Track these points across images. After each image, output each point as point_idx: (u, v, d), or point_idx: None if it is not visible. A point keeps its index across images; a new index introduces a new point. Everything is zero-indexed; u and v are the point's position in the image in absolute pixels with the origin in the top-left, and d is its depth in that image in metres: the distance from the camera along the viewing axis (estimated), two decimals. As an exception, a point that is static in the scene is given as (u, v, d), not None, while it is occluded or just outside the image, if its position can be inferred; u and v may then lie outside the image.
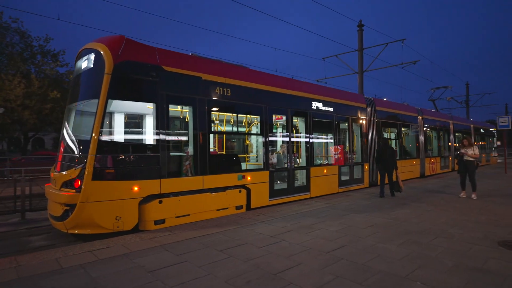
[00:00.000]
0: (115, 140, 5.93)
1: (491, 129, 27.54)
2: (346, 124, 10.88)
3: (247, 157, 8.72)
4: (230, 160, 7.43)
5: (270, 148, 8.05)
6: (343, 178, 10.49)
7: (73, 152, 5.96)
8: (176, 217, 6.13)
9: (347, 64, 17.69)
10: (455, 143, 19.75)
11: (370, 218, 6.34)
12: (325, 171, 9.70)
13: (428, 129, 16.40)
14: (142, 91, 5.96)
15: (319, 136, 10.64)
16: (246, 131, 9.17)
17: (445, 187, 11.02)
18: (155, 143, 5.94)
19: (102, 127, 5.43)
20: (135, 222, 5.65)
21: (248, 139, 8.96)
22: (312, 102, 9.45)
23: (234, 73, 7.47)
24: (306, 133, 9.23)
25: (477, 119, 28.75)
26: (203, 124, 6.66)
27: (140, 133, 6.80)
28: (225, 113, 8.31)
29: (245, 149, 9.13)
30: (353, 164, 10.95)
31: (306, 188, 9.01)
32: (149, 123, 6.25)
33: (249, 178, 7.44)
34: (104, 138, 5.54)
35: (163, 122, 6.02)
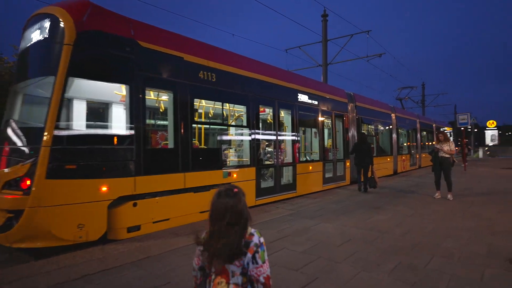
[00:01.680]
0: (77, 128, 4.78)
1: (447, 129, 29.07)
2: (330, 119, 10.42)
3: (233, 152, 7.87)
4: (215, 155, 6.52)
5: (257, 143, 7.27)
6: (327, 175, 10.01)
7: (20, 143, 4.71)
8: (154, 222, 5.13)
9: (310, 56, 16.99)
10: (421, 141, 20.40)
11: (345, 229, 5.22)
12: (310, 168, 9.12)
13: (400, 127, 16.62)
14: (113, 70, 4.86)
15: (305, 131, 10.07)
16: (231, 123, 8.28)
17: (417, 186, 10.96)
18: (129, 133, 4.87)
19: (60, 111, 4.27)
20: (103, 230, 4.56)
21: (233, 132, 8.09)
22: (298, 94, 8.81)
23: (219, 56, 6.57)
24: (292, 127, 8.58)
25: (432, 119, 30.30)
26: (185, 113, 5.69)
27: (110, 120, 5.67)
28: (209, 102, 7.38)
29: (231, 143, 8.23)
30: (336, 160, 10.52)
31: (292, 186, 8.36)
32: (121, 109, 5.16)
33: (235, 175, 6.60)
34: (63, 125, 4.38)
35: (138, 108, 4.97)
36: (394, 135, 15.77)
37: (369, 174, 9.73)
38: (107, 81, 4.93)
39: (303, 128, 9.79)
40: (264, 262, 1.61)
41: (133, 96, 4.91)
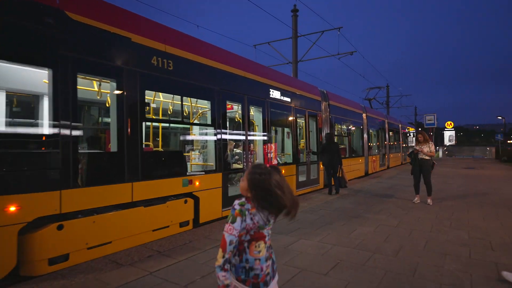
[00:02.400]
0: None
1: (410, 129, 29.78)
2: (303, 119, 9.66)
3: (195, 156, 6.79)
4: (172, 159, 5.43)
5: (224, 144, 6.27)
6: (301, 179, 9.23)
7: None
8: (89, 248, 3.97)
9: (280, 53, 16.04)
10: (389, 141, 20.48)
11: (329, 248, 4.40)
12: (283, 171, 8.26)
13: (370, 127, 16.38)
14: (29, 47, 3.63)
15: (276, 131, 9.22)
16: (194, 122, 7.18)
17: (392, 189, 10.55)
18: (52, 133, 3.67)
19: None
20: (11, 265, 3.34)
21: (196, 132, 7.03)
22: (270, 89, 7.92)
23: (179, 41, 5.49)
24: (263, 126, 7.68)
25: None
26: (133, 108, 4.56)
27: (24, 115, 4.40)
28: (166, 95, 6.26)
29: (193, 145, 7.13)
30: (310, 163, 9.79)
31: (263, 192, 7.46)
32: (41, 101, 3.93)
33: (197, 183, 5.56)
34: None
35: (67, 99, 3.78)
36: (366, 136, 15.47)
37: (339, 174, 9.33)
38: (21, 62, 3.67)
39: (274, 128, 8.94)
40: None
41: (59, 84, 3.71)
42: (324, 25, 15.43)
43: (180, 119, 6.01)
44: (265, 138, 7.66)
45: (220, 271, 1.68)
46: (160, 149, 6.41)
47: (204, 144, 6.86)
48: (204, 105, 7.11)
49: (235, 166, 9.17)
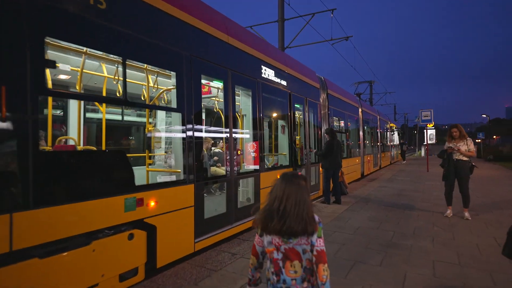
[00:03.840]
0: None
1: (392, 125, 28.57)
2: (301, 110, 7.66)
3: (151, 159, 4.54)
4: (103, 165, 3.15)
5: (198, 142, 4.12)
6: (299, 186, 7.23)
7: None
8: None
9: (263, 38, 14.06)
10: (381, 139, 19.00)
11: None
12: (278, 177, 6.21)
13: (365, 123, 14.71)
14: None
15: (270, 124, 7.16)
16: (147, 103, 4.86)
17: (404, 197, 8.76)
18: None
19: None
20: None
21: (154, 122, 4.84)
22: (263, 67, 5.84)
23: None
24: (253, 117, 5.59)
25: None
26: (16, 72, 2.34)
27: None
28: (96, 54, 3.98)
29: (145, 143, 4.84)
30: (310, 165, 7.81)
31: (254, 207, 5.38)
32: None
33: (152, 203, 3.39)
34: None
35: None
36: (361, 133, 13.77)
37: (340, 178, 7.80)
38: None
39: (268, 120, 6.88)
40: (320, 237, 1.70)
41: None
42: (316, 7, 13.52)
43: (122, 99, 3.58)
44: (256, 133, 5.58)
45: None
46: (82, 147, 4.07)
47: (167, 141, 4.64)
48: (166, 79, 4.92)
49: (215, 172, 7.04)
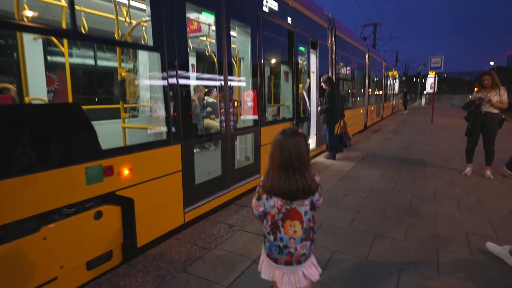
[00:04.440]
0: None
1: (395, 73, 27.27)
2: (306, 53, 6.63)
3: (127, 113, 3.65)
4: (50, 124, 2.25)
5: (184, 91, 3.26)
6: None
7: None
8: None
9: None
10: (386, 88, 18.02)
11: None
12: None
13: (372, 70, 13.61)
14: None
15: (272, 70, 6.22)
16: (116, 39, 3.81)
17: (414, 150, 8.14)
18: None
19: None
20: None
21: (128, 67, 3.91)
22: (264, -3, 4.73)
23: None
24: (253, 59, 4.64)
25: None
26: None
27: None
28: None
29: (120, 92, 3.89)
30: (311, 117, 7.03)
31: (253, 168, 4.70)
32: None
33: (126, 171, 2.65)
34: None
35: None
36: (367, 81, 12.77)
37: (341, 130, 7.06)
38: None
39: (270, 64, 5.92)
40: (321, 196, 1.68)
41: None
42: None
43: (70, 30, 2.46)
44: (256, 80, 4.68)
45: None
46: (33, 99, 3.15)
47: (144, 89, 3.73)
48: (138, 11, 3.89)
49: (208, 125, 6.24)
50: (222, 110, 3.95)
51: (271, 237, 1.62)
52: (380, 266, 2.62)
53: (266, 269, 1.69)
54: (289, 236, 1.59)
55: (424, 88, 45.11)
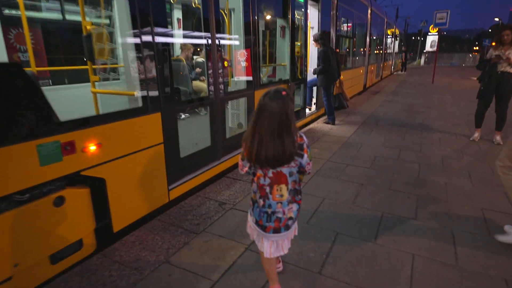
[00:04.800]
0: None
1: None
2: (304, 4, 5.90)
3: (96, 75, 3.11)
4: None
5: (163, 49, 2.71)
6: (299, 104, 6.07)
7: None
8: None
9: None
10: (386, 46, 17.16)
11: None
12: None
13: (373, 27, 12.73)
14: None
15: (267, 25, 5.58)
16: None
17: (416, 114, 7.75)
18: None
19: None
20: None
21: (91, 20, 3.31)
22: None
23: None
24: (245, 12, 4.01)
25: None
26: None
27: None
28: None
29: (87, 50, 3.32)
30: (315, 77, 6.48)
31: (247, 136, 4.27)
32: None
33: (92, 147, 2.21)
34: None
35: None
36: (368, 38, 11.99)
37: (338, 90, 6.51)
38: None
39: (264, 19, 5.26)
40: (311, 160, 1.62)
41: None
42: None
43: None
44: (249, 37, 4.08)
45: None
46: None
47: (110, 49, 3.16)
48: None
49: (197, 87, 5.69)
50: (210, 71, 3.42)
51: (260, 202, 1.61)
52: (390, 251, 2.31)
53: (254, 236, 1.74)
54: (276, 201, 1.59)
55: (423, 47, 43.69)
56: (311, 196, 3.17)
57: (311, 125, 6.28)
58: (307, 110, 6.48)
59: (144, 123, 2.63)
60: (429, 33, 42.22)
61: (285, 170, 1.56)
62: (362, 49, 11.35)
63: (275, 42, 5.63)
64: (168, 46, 2.80)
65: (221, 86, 3.58)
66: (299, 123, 6.30)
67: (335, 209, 2.93)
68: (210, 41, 3.37)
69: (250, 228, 1.77)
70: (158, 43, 2.66)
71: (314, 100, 6.92)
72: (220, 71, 3.54)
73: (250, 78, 4.18)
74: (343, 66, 8.72)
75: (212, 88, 3.45)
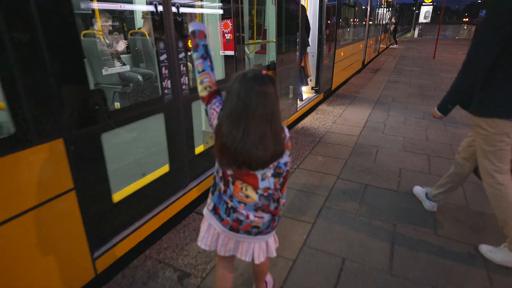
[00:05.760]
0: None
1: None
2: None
3: None
4: None
5: (55, 17, 1.42)
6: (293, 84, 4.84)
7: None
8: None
9: None
10: (383, 18, 15.75)
11: None
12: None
13: (373, -5, 11.29)
14: None
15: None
16: None
17: (425, 97, 6.71)
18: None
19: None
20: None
21: None
22: None
23: None
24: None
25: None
26: None
27: None
28: None
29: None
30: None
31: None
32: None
33: None
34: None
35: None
36: (368, 8, 10.60)
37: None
38: None
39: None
40: (290, 155, 1.26)
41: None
42: None
43: None
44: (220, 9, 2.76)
45: None
46: None
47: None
48: None
49: (128, 77, 4.33)
50: (164, 58, 2.14)
51: (222, 188, 1.26)
52: None
53: (206, 231, 1.35)
54: (239, 198, 1.22)
55: (417, 19, 42.15)
56: (324, 253, 2.06)
57: (309, 117, 5.10)
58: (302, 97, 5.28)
59: (31, 161, 1.40)
60: (423, 3, 40.64)
61: (257, 171, 1.18)
62: (362, 21, 10.00)
63: (264, 11, 4.30)
64: (66, 14, 1.52)
65: (185, 79, 2.32)
66: (303, 110, 5.15)
67: (366, 284, 1.84)
68: (159, 7, 2.07)
69: (202, 226, 1.38)
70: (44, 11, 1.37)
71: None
72: (182, 55, 2.27)
73: (233, 61, 2.91)
74: (345, 41, 7.45)
75: (167, 83, 2.19)
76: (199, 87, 1.27)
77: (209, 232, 1.35)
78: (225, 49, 2.91)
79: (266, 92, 1.08)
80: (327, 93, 6.53)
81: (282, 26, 3.97)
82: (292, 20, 4.29)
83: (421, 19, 40.14)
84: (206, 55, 1.28)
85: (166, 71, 2.16)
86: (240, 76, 1.11)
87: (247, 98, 1.06)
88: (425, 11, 40.11)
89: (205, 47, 1.28)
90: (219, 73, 2.87)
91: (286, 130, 1.25)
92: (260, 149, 1.08)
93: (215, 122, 1.20)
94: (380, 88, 7.43)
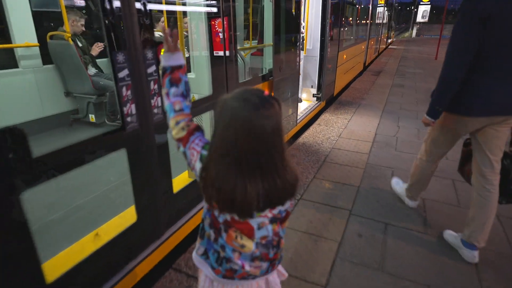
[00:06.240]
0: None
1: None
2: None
3: None
4: None
5: None
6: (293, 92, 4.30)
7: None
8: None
9: None
10: (383, 18, 15.26)
11: None
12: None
13: (375, -7, 10.78)
14: None
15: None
16: None
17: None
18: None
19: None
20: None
21: None
22: None
23: None
24: None
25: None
26: None
27: None
28: None
29: None
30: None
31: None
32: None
33: None
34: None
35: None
36: (370, 7, 10.09)
37: None
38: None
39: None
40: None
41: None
42: None
43: None
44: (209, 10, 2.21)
45: None
46: None
47: None
48: None
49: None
50: (125, 75, 1.58)
51: (211, 236, 1.00)
52: None
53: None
54: (232, 247, 0.97)
55: (415, 19, 41.82)
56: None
57: (310, 129, 4.56)
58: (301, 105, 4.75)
59: None
60: (421, 3, 40.28)
61: (252, 222, 0.92)
62: (364, 20, 9.48)
63: (259, 9, 3.75)
64: None
65: (156, 101, 1.77)
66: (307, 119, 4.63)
67: None
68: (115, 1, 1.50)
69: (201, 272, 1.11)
70: None
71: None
72: (151, 69, 1.71)
73: (217, 76, 2.36)
74: (348, 42, 6.92)
75: (129, 108, 1.62)
76: (175, 129, 1.02)
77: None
78: (216, 50, 2.36)
79: (276, 117, 0.82)
80: (329, 99, 6.01)
81: (280, 26, 3.42)
82: (292, 20, 3.74)
83: (419, 19, 39.85)
84: (187, 94, 1.08)
85: (129, 92, 1.59)
86: (244, 100, 0.80)
87: (259, 128, 0.78)
88: (423, 11, 39.82)
89: (186, 84, 1.09)
90: (206, 88, 2.31)
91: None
92: (276, 186, 0.86)
93: (197, 164, 0.95)
94: (385, 93, 6.91)
